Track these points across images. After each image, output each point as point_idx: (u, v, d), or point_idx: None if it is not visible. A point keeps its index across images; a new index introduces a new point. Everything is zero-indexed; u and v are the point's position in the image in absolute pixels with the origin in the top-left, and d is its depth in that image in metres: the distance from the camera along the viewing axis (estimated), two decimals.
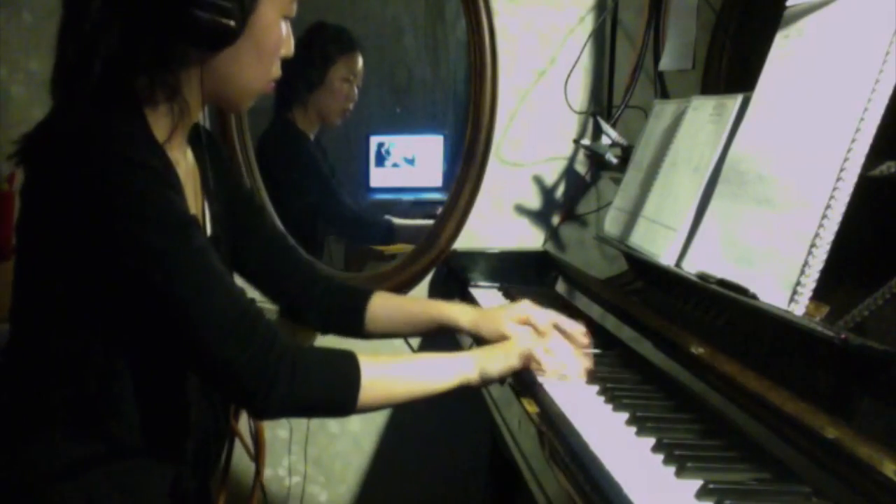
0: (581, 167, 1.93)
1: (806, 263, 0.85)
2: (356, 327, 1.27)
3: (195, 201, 1.09)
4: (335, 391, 0.98)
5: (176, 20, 0.91)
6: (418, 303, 1.46)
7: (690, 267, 1.08)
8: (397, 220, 2.14)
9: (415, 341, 1.76)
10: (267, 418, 0.94)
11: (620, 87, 1.80)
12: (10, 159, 0.93)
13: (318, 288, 1.27)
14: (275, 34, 1.00)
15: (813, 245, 0.85)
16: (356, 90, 2.11)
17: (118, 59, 0.92)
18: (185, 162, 1.06)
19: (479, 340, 1.20)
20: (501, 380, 1.09)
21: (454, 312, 1.24)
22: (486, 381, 1.07)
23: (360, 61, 2.10)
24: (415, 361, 1.11)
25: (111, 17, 0.91)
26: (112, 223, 0.88)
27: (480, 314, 1.23)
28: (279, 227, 1.31)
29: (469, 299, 1.65)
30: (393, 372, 1.02)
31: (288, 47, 1.03)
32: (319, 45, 2.06)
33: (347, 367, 0.98)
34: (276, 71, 1.03)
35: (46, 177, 0.91)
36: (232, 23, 0.92)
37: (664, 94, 1.65)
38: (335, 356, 1.00)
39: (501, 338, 1.17)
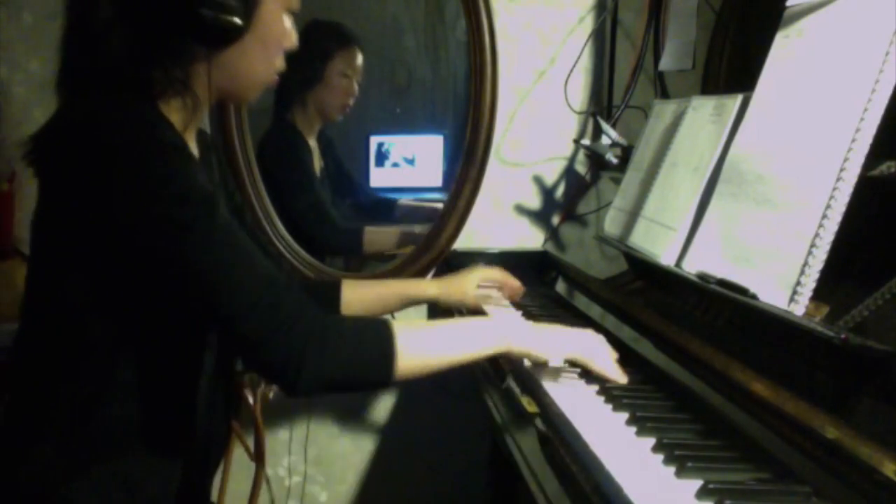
0: (581, 167, 1.93)
1: (806, 263, 0.85)
2: None
3: None
4: (369, 365, 0.95)
5: (182, 19, 0.92)
6: (386, 283, 1.48)
7: (690, 267, 1.08)
8: (370, 228, 2.09)
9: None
10: (301, 395, 0.92)
11: (620, 87, 1.80)
12: (23, 160, 0.93)
13: None
14: (278, 27, 1.01)
15: (813, 245, 0.85)
16: (356, 86, 2.07)
17: (126, 55, 0.92)
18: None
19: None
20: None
21: (421, 285, 1.34)
22: (524, 355, 1.07)
23: (360, 56, 2.06)
24: (454, 326, 1.08)
25: (117, 16, 0.92)
26: (136, 200, 0.87)
27: (447, 283, 1.33)
28: (265, 246, 1.30)
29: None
30: (430, 340, 1.00)
31: (291, 40, 1.04)
32: (316, 41, 2.00)
33: (381, 339, 0.95)
34: (280, 63, 1.04)
35: (64, 164, 0.91)
36: (237, 19, 0.94)
37: (664, 94, 1.65)
38: (369, 327, 0.97)
39: (464, 303, 1.31)
